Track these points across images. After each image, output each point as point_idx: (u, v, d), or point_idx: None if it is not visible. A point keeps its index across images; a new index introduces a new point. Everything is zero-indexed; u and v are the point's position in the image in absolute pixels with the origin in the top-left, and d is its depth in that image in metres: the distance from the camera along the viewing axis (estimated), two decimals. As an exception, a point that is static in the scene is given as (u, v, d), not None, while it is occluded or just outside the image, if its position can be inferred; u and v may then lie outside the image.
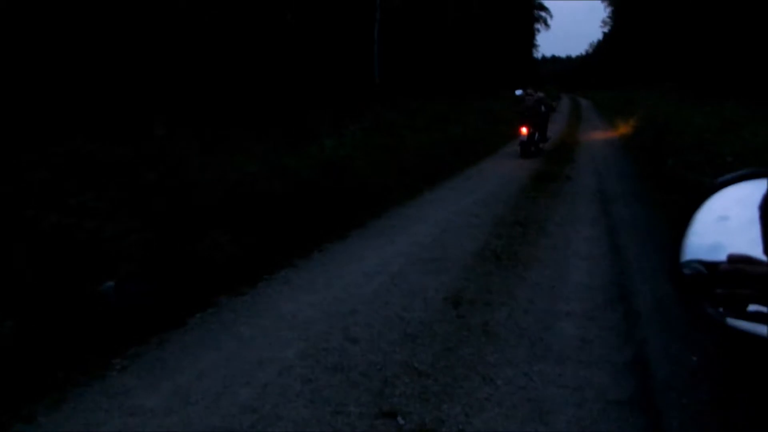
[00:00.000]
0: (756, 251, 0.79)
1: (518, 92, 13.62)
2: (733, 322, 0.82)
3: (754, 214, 0.80)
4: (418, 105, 19.90)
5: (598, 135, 17.49)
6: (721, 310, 0.83)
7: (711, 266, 0.82)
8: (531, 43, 61.80)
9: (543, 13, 54.77)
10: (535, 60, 72.99)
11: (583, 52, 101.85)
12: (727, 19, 26.55)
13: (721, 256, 0.80)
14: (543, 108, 12.99)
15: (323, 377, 3.03)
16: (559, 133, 16.35)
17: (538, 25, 56.38)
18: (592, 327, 3.70)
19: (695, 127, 10.36)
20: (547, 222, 6.38)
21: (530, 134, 12.28)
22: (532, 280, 4.53)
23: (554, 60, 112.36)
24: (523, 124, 12.22)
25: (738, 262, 0.79)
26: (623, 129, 18.04)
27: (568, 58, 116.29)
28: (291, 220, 5.58)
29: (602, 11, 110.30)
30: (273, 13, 19.36)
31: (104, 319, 3.46)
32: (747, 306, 0.79)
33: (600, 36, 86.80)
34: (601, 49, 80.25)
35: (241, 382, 2.97)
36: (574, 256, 5.20)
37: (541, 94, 13.95)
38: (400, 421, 2.65)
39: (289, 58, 17.15)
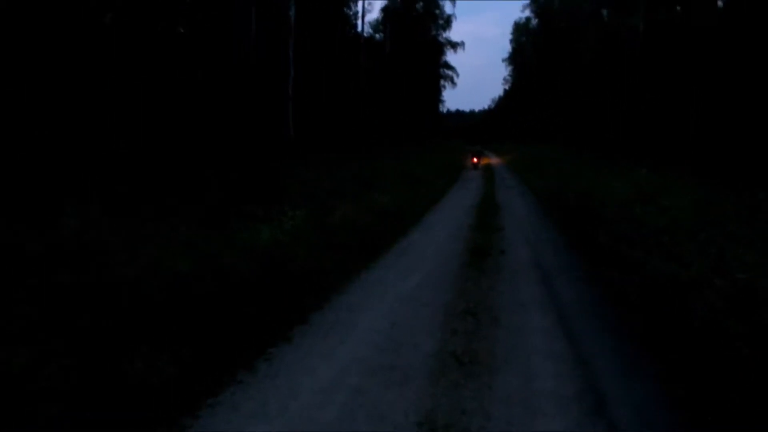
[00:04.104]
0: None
1: (471, 146, 38.89)
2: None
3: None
4: (335, 160, 19.76)
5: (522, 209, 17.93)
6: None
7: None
8: (437, 99, 63.97)
9: (450, 72, 56.77)
10: (441, 114, 75.50)
11: (486, 107, 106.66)
12: (619, 83, 28.42)
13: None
14: (480, 153, 36.98)
15: None
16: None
17: (445, 83, 58.36)
18: (580, 454, 3.44)
19: (616, 195, 10.73)
20: (497, 309, 6.18)
21: (477, 162, 33.79)
22: (502, 392, 4.24)
23: (459, 114, 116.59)
24: (474, 158, 34.14)
25: None
26: (539, 190, 18.65)
27: (472, 112, 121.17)
28: (231, 325, 5.06)
29: (504, 69, 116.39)
30: (183, 73, 18.87)
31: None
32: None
33: (502, 92, 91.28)
34: (502, 104, 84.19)
35: None
36: (535, 354, 4.98)
37: (479, 147, 39.07)
38: None
39: (200, 116, 16.65)
